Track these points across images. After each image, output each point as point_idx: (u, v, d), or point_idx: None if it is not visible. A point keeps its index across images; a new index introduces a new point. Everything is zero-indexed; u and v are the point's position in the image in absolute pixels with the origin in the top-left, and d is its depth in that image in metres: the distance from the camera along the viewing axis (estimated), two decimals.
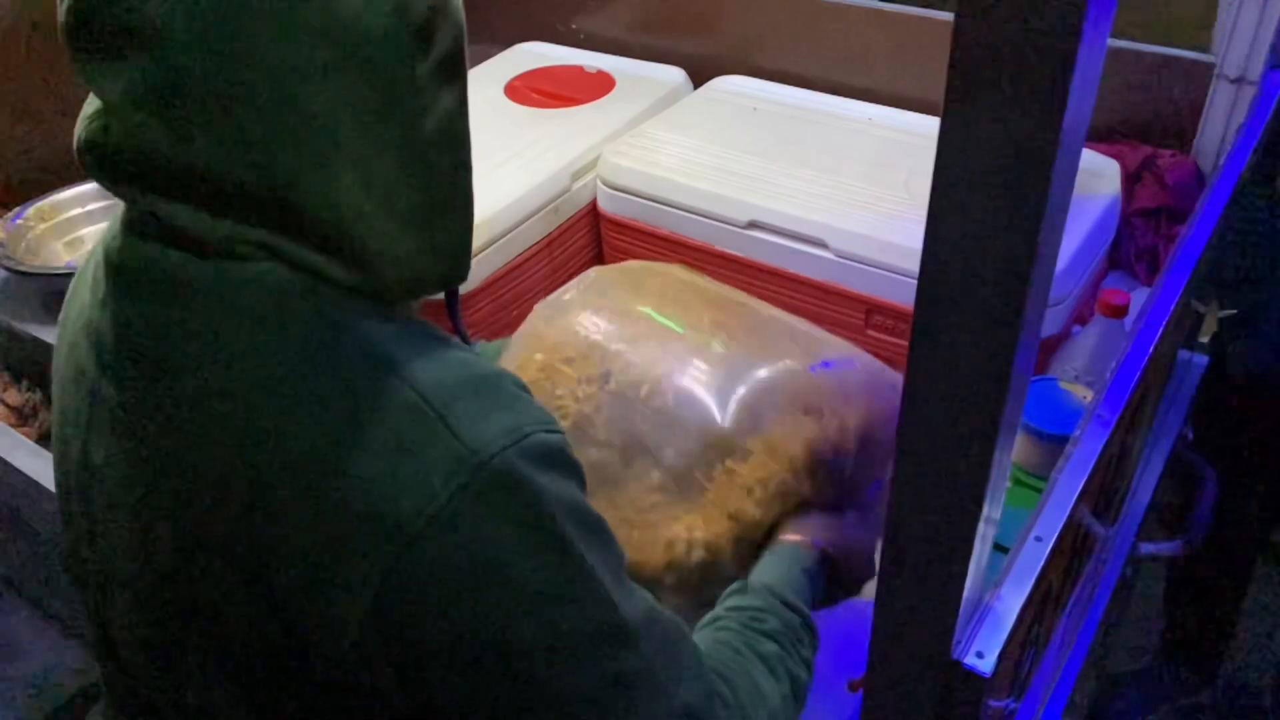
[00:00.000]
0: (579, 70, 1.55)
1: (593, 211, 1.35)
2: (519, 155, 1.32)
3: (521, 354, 0.95)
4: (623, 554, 0.62)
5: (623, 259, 1.34)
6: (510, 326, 1.20)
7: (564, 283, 1.27)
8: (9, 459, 1.19)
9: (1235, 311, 1.33)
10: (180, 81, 0.53)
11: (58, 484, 0.71)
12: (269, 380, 0.55)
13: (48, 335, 1.35)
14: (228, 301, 0.57)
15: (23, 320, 1.38)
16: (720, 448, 0.84)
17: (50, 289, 1.39)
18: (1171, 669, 1.86)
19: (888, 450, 0.89)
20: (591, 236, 1.38)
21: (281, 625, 0.56)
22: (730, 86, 1.48)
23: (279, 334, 0.56)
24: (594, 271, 1.01)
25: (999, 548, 0.61)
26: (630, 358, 0.89)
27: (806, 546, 0.82)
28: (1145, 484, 1.22)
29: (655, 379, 0.87)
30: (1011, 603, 0.62)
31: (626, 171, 1.29)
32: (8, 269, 1.37)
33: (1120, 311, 1.07)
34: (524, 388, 0.60)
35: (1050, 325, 1.11)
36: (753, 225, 1.21)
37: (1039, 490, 0.96)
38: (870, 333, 1.15)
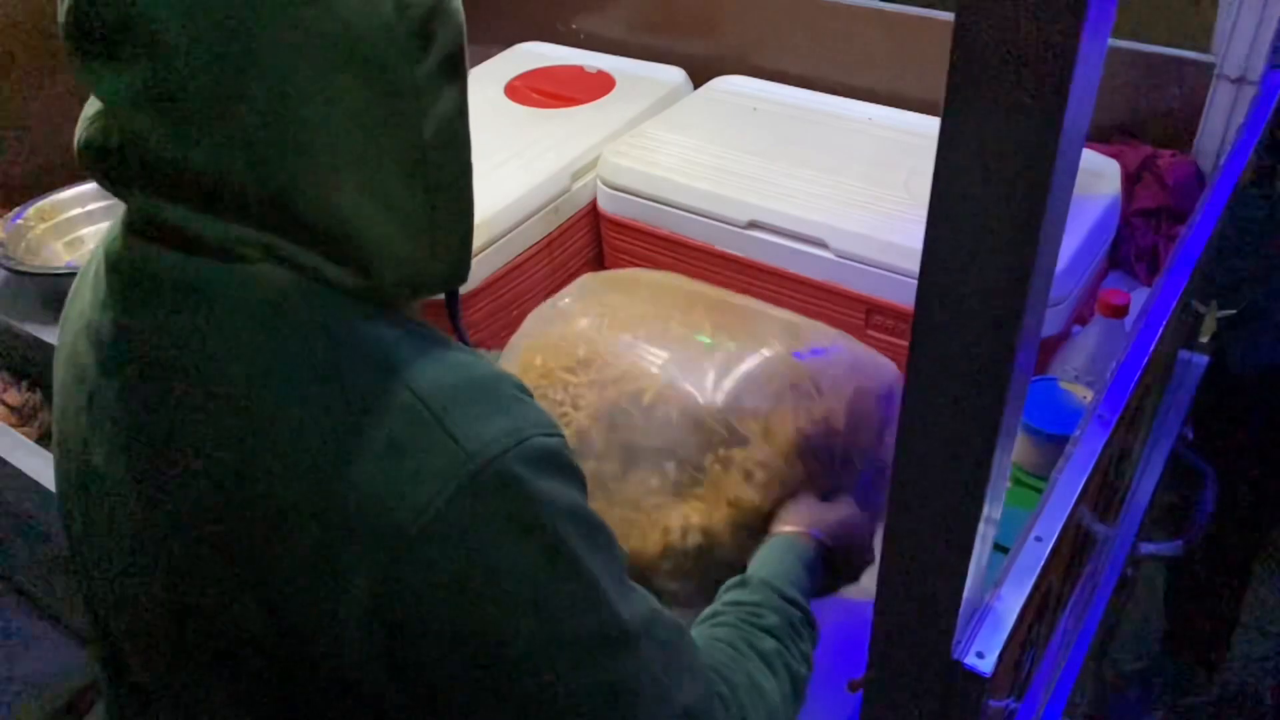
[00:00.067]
0: (579, 70, 1.55)
1: (593, 211, 1.35)
2: (519, 155, 1.32)
3: (520, 359, 0.95)
4: (624, 556, 0.62)
5: (623, 259, 1.35)
6: (510, 326, 1.20)
7: (564, 283, 1.28)
8: (9, 459, 1.18)
9: (1235, 311, 1.33)
10: (180, 83, 0.53)
11: (58, 484, 0.71)
12: (266, 383, 0.55)
13: (48, 335, 1.35)
14: (227, 303, 0.57)
15: (23, 320, 1.38)
16: (714, 436, 0.85)
17: (50, 289, 1.39)
18: (1171, 669, 1.87)
19: (877, 429, 0.91)
20: (591, 236, 1.38)
21: (279, 626, 0.56)
22: (730, 86, 1.48)
23: (278, 336, 0.56)
24: (586, 277, 1.03)
25: (999, 548, 0.61)
26: (625, 359, 0.90)
27: (804, 537, 0.82)
28: (1145, 484, 1.22)
29: (651, 376, 0.88)
30: (1011, 603, 0.62)
31: (626, 171, 1.29)
32: (8, 269, 1.37)
33: (1120, 311, 1.07)
34: (524, 390, 0.60)
35: (1050, 325, 1.11)
36: (753, 225, 1.21)
37: (1039, 490, 0.96)
38: (870, 333, 1.15)
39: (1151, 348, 0.86)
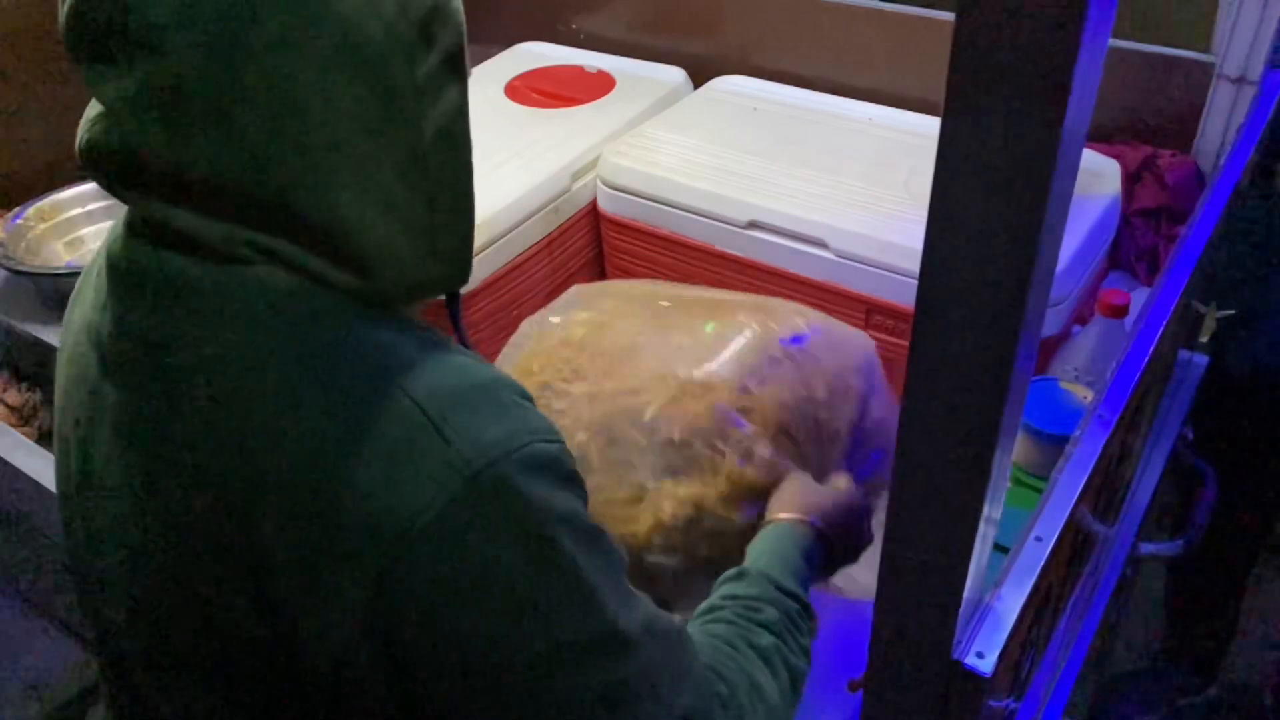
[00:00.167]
0: (579, 70, 1.55)
1: (593, 211, 1.35)
2: (519, 155, 1.32)
3: (518, 364, 0.97)
4: (624, 561, 0.62)
5: (623, 259, 1.35)
6: (510, 327, 1.20)
7: (564, 282, 1.29)
8: (9, 459, 1.19)
9: (1234, 311, 1.33)
10: (179, 85, 0.53)
11: (58, 484, 0.71)
12: (266, 385, 0.55)
13: (48, 335, 1.35)
14: (227, 305, 0.57)
15: (23, 320, 1.38)
16: (707, 420, 0.87)
17: (50, 289, 1.39)
18: (1171, 669, 1.87)
19: (859, 401, 0.92)
20: (591, 236, 1.38)
21: (275, 629, 0.56)
22: (730, 86, 1.48)
23: (277, 339, 0.56)
24: (575, 289, 1.05)
25: (999, 548, 0.61)
26: (617, 362, 0.92)
27: (801, 524, 0.82)
28: (1145, 484, 1.22)
29: (650, 380, 0.90)
30: (1012, 603, 0.62)
31: (626, 171, 1.29)
32: (8, 269, 1.37)
33: (1120, 311, 1.07)
34: (524, 395, 0.60)
35: (1050, 325, 1.11)
36: (753, 225, 1.21)
37: (1039, 490, 0.96)
38: (870, 333, 1.15)
39: (1151, 348, 0.86)
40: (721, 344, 0.91)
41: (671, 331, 0.93)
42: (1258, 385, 1.58)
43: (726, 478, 0.86)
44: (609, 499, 0.88)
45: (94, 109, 0.58)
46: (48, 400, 1.43)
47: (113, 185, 0.58)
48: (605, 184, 1.31)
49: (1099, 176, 1.23)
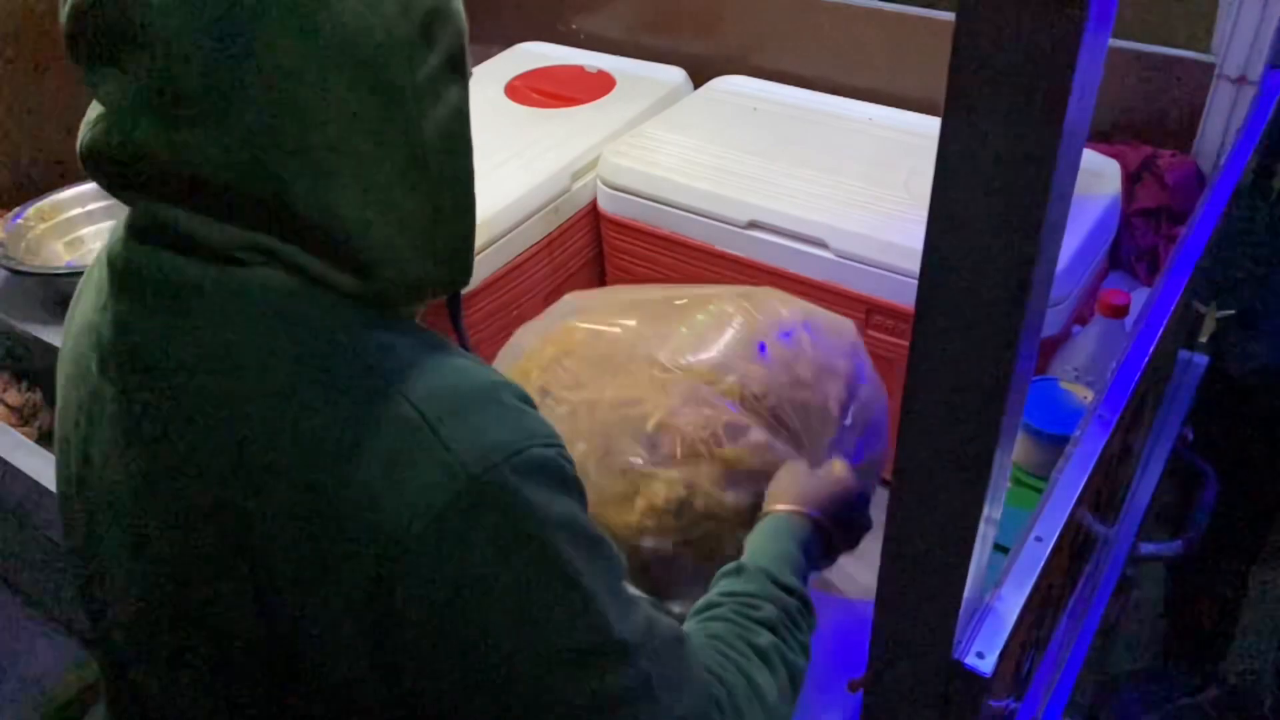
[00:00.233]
0: (579, 70, 1.55)
1: (593, 211, 1.35)
2: (519, 155, 1.32)
3: (516, 370, 0.97)
4: (623, 566, 0.62)
5: (623, 259, 1.35)
6: (510, 327, 1.20)
7: (564, 282, 1.29)
8: (9, 459, 1.19)
9: (1234, 311, 1.33)
10: (179, 86, 0.53)
11: (58, 484, 0.71)
12: (265, 387, 0.55)
13: (48, 335, 1.35)
14: (227, 307, 0.57)
15: (23, 320, 1.38)
16: (700, 408, 0.89)
17: (50, 289, 1.39)
18: (1171, 669, 1.87)
19: (847, 383, 0.94)
20: (591, 236, 1.37)
21: (274, 630, 0.56)
22: (730, 86, 1.48)
23: (276, 341, 0.56)
24: (569, 296, 1.07)
25: (999, 548, 0.61)
26: (616, 367, 0.93)
27: (799, 516, 0.82)
28: (1145, 484, 1.22)
29: (641, 382, 0.92)
30: (1012, 603, 0.62)
31: (626, 171, 1.29)
32: (8, 269, 1.37)
33: (1120, 311, 1.07)
34: (525, 398, 0.60)
35: (1050, 325, 1.11)
36: (753, 225, 1.21)
37: (1039, 490, 0.96)
38: (870, 333, 1.15)
39: (1151, 348, 0.86)
40: (710, 334, 0.93)
41: (664, 329, 0.95)
42: (1258, 385, 1.58)
43: (717, 459, 0.86)
44: (604, 497, 0.89)
45: (95, 110, 0.58)
46: (48, 400, 1.43)
47: (113, 186, 0.58)
48: (605, 184, 1.31)
49: (1099, 176, 1.23)
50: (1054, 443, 0.99)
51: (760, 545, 0.80)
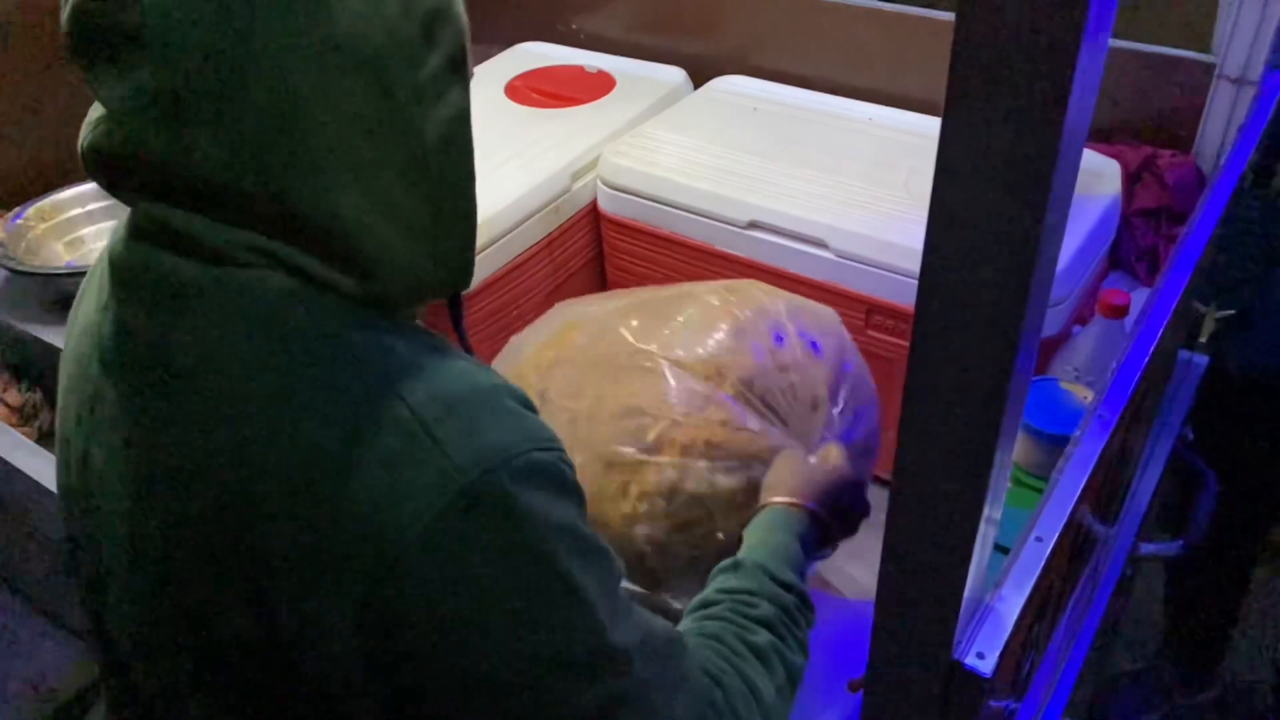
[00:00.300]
0: (579, 70, 1.55)
1: (593, 211, 1.35)
2: (519, 155, 1.32)
3: (515, 374, 0.98)
4: (621, 571, 0.62)
5: (623, 259, 1.35)
6: (509, 327, 1.20)
7: (564, 282, 1.29)
8: (9, 459, 1.19)
9: (1233, 311, 1.33)
10: (180, 88, 0.53)
11: (59, 484, 0.71)
12: (264, 389, 0.55)
13: (48, 335, 1.35)
14: (226, 308, 0.57)
15: (23, 320, 1.38)
16: (694, 398, 0.90)
17: (50, 289, 1.39)
18: (1171, 669, 1.87)
19: (834, 368, 0.95)
20: (591, 236, 1.38)
21: (268, 635, 0.56)
22: (730, 86, 1.48)
23: (276, 343, 0.56)
24: (560, 305, 1.08)
25: (999, 548, 0.61)
26: (614, 371, 0.94)
27: (796, 508, 0.82)
28: (1145, 484, 1.22)
29: (639, 391, 0.92)
30: (1012, 603, 0.62)
31: (627, 171, 1.29)
32: (8, 269, 1.37)
33: (1120, 311, 1.07)
34: (525, 402, 0.60)
35: (1050, 325, 1.11)
36: (753, 225, 1.21)
37: (1039, 490, 0.96)
38: (870, 333, 1.15)
39: (1151, 348, 0.86)
40: (699, 327, 0.94)
41: (656, 327, 0.96)
42: (1258, 385, 1.58)
43: (709, 444, 0.87)
44: (600, 495, 0.89)
45: (96, 111, 0.58)
46: (48, 400, 1.43)
47: (114, 187, 0.58)
48: (605, 184, 1.31)
49: (1099, 176, 1.23)
50: (1054, 443, 0.99)
51: (757, 540, 0.80)
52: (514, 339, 1.07)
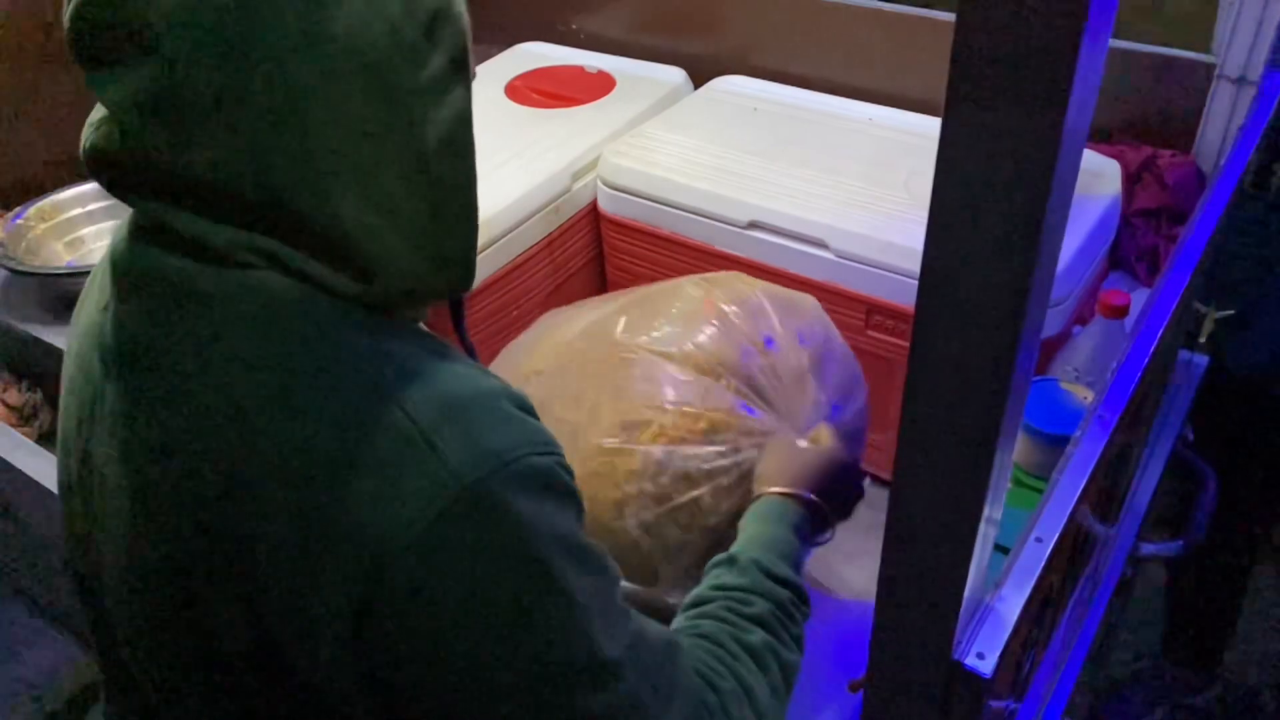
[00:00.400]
0: (579, 70, 1.55)
1: (593, 211, 1.35)
2: (519, 155, 1.32)
3: (515, 377, 0.98)
4: (617, 578, 0.62)
5: (623, 259, 1.35)
6: (509, 327, 1.20)
7: (564, 282, 1.29)
8: (9, 459, 1.19)
9: (1233, 311, 1.33)
10: (181, 89, 0.53)
11: (60, 484, 0.71)
12: (263, 392, 0.55)
13: (48, 335, 1.35)
14: (227, 309, 0.56)
15: (23, 320, 1.38)
16: (685, 390, 0.91)
17: (50, 289, 1.39)
18: (1171, 669, 1.87)
19: (819, 353, 0.96)
20: (592, 236, 1.37)
21: (262, 637, 0.56)
22: (730, 86, 1.48)
23: (275, 345, 0.56)
24: (550, 314, 1.10)
25: (999, 548, 0.61)
26: (613, 374, 0.95)
27: (791, 499, 0.82)
28: (1145, 484, 1.22)
29: (637, 397, 0.93)
30: (1012, 603, 0.62)
31: (627, 171, 1.29)
32: (8, 269, 1.37)
33: (1120, 312, 1.07)
34: (524, 405, 0.60)
35: (1051, 325, 1.11)
36: (753, 225, 1.21)
37: (1039, 491, 0.96)
38: (870, 333, 1.15)
39: (1151, 348, 0.86)
40: (681, 322, 0.96)
41: (644, 323, 0.97)
42: (1258, 385, 1.58)
43: (692, 426, 0.88)
44: (592, 492, 0.89)
45: (98, 112, 0.58)
46: (48, 400, 1.43)
47: (116, 188, 0.58)
48: (605, 184, 1.31)
49: (1099, 176, 1.23)
50: (1054, 443, 0.99)
51: (753, 532, 0.80)
52: (504, 350, 1.07)
